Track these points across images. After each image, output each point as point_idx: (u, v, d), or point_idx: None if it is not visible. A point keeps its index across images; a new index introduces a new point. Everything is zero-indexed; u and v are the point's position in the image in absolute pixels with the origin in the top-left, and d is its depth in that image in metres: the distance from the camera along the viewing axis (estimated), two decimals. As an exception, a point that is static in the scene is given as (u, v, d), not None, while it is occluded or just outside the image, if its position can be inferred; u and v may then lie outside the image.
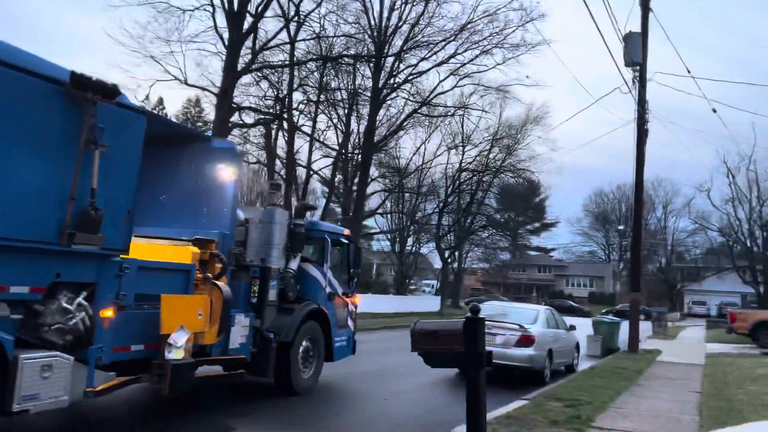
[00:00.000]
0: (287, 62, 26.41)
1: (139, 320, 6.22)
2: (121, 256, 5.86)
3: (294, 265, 9.09)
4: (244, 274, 8.21)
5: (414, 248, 48.44)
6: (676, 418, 8.48)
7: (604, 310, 41.04)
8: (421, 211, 44.93)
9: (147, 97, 27.20)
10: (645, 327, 24.37)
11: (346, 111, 31.73)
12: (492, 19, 29.88)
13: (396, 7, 29.73)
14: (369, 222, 43.09)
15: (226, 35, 22.19)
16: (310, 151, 30.63)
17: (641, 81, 19.25)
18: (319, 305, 9.37)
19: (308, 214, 10.34)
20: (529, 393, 9.80)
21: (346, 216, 31.11)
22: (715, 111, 24.04)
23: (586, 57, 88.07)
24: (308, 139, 30.44)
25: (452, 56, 31.01)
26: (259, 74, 26.56)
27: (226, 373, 8.26)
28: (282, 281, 8.79)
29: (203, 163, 7.93)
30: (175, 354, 6.17)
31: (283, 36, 25.70)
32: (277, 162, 30.56)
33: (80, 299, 5.45)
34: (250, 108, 26.96)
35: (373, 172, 36.72)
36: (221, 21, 22.52)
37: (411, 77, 31.59)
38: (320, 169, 33.64)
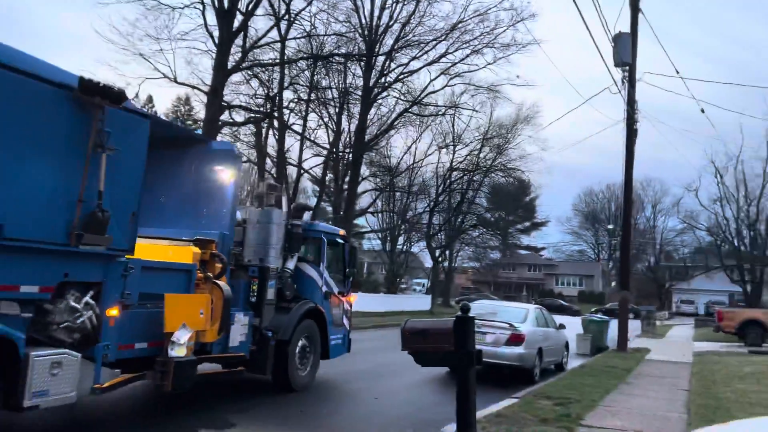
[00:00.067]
0: (278, 61, 26.30)
1: (142, 319, 6.38)
2: (126, 256, 6.02)
3: (291, 264, 9.29)
4: (243, 273, 8.39)
5: (405, 247, 48.47)
6: (665, 416, 8.55)
7: (593, 309, 41.28)
8: (412, 210, 44.97)
9: (136, 95, 26.88)
10: (634, 326, 24.55)
11: (337, 110, 31.66)
12: (483, 19, 29.96)
13: (387, 6, 29.75)
14: (360, 221, 43.08)
15: (216, 33, 22.06)
16: (301, 150, 30.56)
17: (630, 81, 19.36)
18: (316, 304, 9.56)
19: (307, 214, 10.42)
20: (519, 391, 9.84)
21: (337, 215, 31.07)
22: (703, 111, 24.36)
23: (576, 57, 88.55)
24: (299, 137, 30.36)
25: (443, 55, 31.06)
26: (249, 72, 26.46)
27: (226, 370, 8.43)
28: (280, 281, 8.97)
29: (203, 165, 8.12)
30: (178, 351, 6.35)
31: (274, 34, 25.62)
32: (268, 161, 30.46)
33: (87, 298, 5.62)
34: (240, 106, 26.86)
35: (364, 171, 36.73)
36: (211, 19, 22.40)
37: (402, 76, 31.59)
38: (311, 168, 33.57)
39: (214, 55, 22.50)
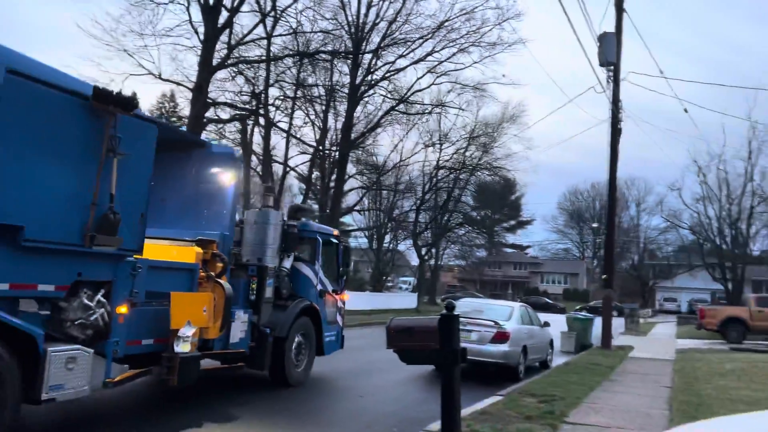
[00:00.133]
0: (263, 57, 26.14)
1: (149, 316, 6.68)
2: (134, 256, 6.31)
3: (287, 264, 9.60)
4: (243, 272, 8.68)
5: (391, 245, 48.49)
6: (647, 412, 8.62)
7: (577, 307, 41.62)
8: (398, 209, 45.02)
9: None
10: (618, 323, 24.75)
11: (324, 107, 31.57)
12: (469, 18, 30.01)
13: (373, 3, 29.68)
14: (346, 219, 42.93)
15: (201, 29, 21.92)
16: (287, 148, 30.43)
17: (615, 80, 19.50)
18: (311, 302, 9.88)
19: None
20: (504, 389, 9.88)
21: (324, 213, 30.98)
22: (686, 111, 24.66)
23: (562, 56, 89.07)
24: (285, 135, 30.23)
25: (429, 54, 31.07)
26: (234, 69, 26.28)
27: (226, 366, 8.65)
28: (277, 279, 9.34)
29: (204, 168, 8.45)
30: (183, 347, 6.64)
31: (260, 31, 25.47)
32: (254, 158, 30.28)
33: (99, 296, 5.92)
34: (225, 103, 26.67)
35: (351, 169, 36.67)
36: (196, 15, 22.23)
37: (389, 74, 31.56)
38: (297, 166, 33.46)
39: (199, 52, 22.34)
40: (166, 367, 6.59)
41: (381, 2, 29.52)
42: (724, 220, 48.13)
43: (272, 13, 25.06)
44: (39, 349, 5.13)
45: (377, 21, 29.70)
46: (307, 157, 33.03)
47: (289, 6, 25.33)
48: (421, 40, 30.15)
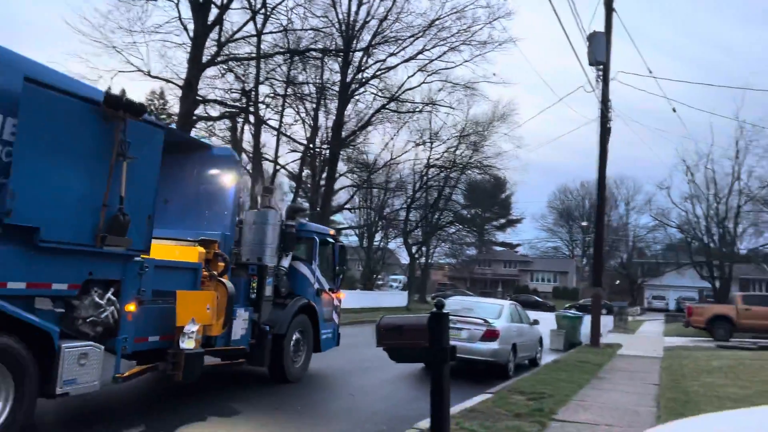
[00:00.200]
0: (254, 55, 26.01)
1: (155, 314, 6.91)
2: (141, 256, 6.54)
3: (286, 263, 9.82)
4: (243, 271, 8.95)
5: (382, 244, 48.48)
6: (635, 410, 8.68)
7: (567, 305, 41.81)
8: (389, 207, 45.00)
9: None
10: (606, 321, 24.93)
11: (314, 105, 31.48)
12: (460, 16, 30.03)
13: (364, 1, 29.61)
14: (337, 217, 42.88)
15: (191, 26, 21.77)
16: (277, 146, 30.30)
17: (605, 80, 19.60)
18: (309, 300, 10.13)
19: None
20: (494, 387, 9.91)
21: (314, 211, 30.91)
22: (675, 110, 24.79)
23: (551, 56, 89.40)
24: (275, 133, 30.11)
25: (420, 52, 31.06)
26: (224, 67, 26.11)
27: (227, 362, 8.93)
28: (276, 278, 9.62)
29: (205, 169, 8.73)
30: (188, 344, 6.88)
31: (250, 28, 25.33)
32: (244, 156, 30.13)
33: (109, 295, 6.18)
34: (215, 101, 26.53)
35: (341, 167, 36.56)
36: (186, 12, 22.09)
37: (379, 72, 31.53)
38: (287, 164, 33.33)
39: (188, 49, 22.19)
40: (171, 363, 6.84)
41: (372, 0, 29.52)
42: (712, 219, 48.55)
43: (262, 11, 24.96)
44: (54, 345, 5.39)
45: (368, 19, 29.69)
46: (298, 155, 32.95)
47: (280, 3, 25.26)
48: (411, 39, 30.18)
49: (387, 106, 33.43)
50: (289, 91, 29.60)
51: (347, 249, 13.14)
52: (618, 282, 66.35)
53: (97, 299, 6.02)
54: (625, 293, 63.57)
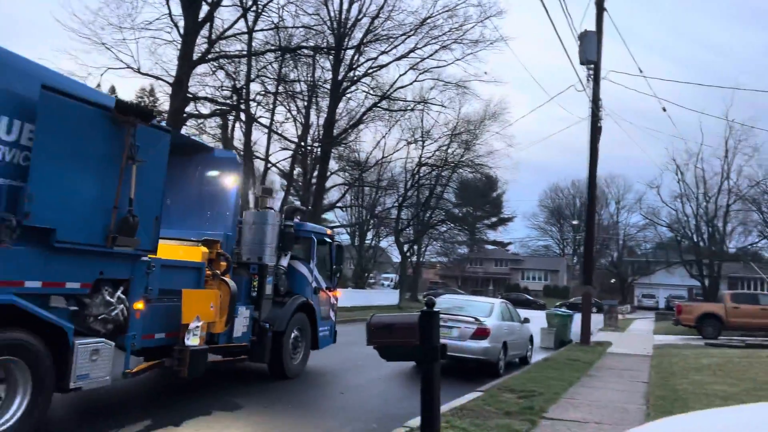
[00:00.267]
0: (245, 52, 25.90)
1: (161, 312, 7.17)
2: (149, 256, 6.77)
3: (285, 262, 10.05)
4: (244, 271, 9.23)
5: (373, 242, 48.46)
6: (624, 407, 8.73)
7: (557, 303, 41.97)
8: (380, 205, 44.95)
9: (98, 86, 26.25)
10: (597, 319, 25.03)
11: (306, 103, 31.37)
12: (451, 15, 30.00)
13: (356, -1, 29.56)
14: (329, 215, 42.86)
15: (181, 23, 21.63)
16: (268, 143, 30.18)
17: (595, 79, 19.67)
18: (307, 298, 10.41)
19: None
20: (484, 385, 9.93)
21: (306, 209, 30.82)
22: (665, 110, 24.91)
23: (543, 55, 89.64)
24: (266, 130, 29.99)
25: (412, 51, 31.01)
26: (215, 64, 25.98)
27: (229, 359, 9.19)
28: (275, 277, 9.82)
29: (207, 171, 8.98)
30: (193, 341, 7.15)
31: (241, 25, 25.19)
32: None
33: (119, 293, 6.42)
34: (206, 98, 26.36)
35: (333, 165, 36.48)
36: (176, 9, 21.94)
37: (371, 70, 31.45)
38: (279, 162, 33.21)
39: (179, 46, 22.05)
40: (177, 359, 7.10)
41: (363, -2, 29.42)
42: (702, 218, 48.94)
43: (253, 8, 24.84)
44: (69, 341, 5.64)
45: (360, 17, 29.63)
46: (289, 153, 32.83)
47: (271, 1, 25.14)
48: (403, 37, 30.14)
49: (379, 105, 33.38)
50: (281, 88, 29.50)
51: (344, 248, 13.25)
52: (613, 281, 66.70)
53: (107, 297, 6.24)
54: (616, 291, 63.92)
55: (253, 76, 26.93)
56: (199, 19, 21.76)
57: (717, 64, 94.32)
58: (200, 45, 22.94)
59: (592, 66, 19.54)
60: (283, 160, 33.38)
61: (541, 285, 76.37)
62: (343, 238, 47.91)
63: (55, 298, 5.85)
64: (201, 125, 29.19)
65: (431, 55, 31.41)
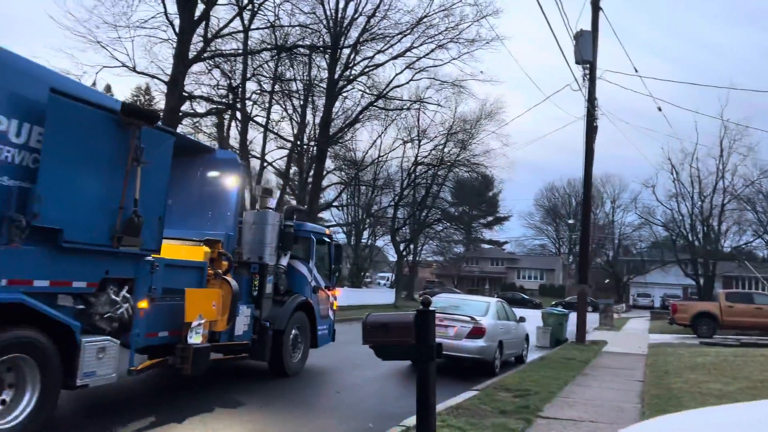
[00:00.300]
0: (240, 51, 25.86)
1: (164, 311, 7.27)
2: (152, 255, 6.89)
3: (284, 261, 10.17)
4: (245, 270, 9.35)
5: (369, 241, 48.47)
6: (619, 406, 8.77)
7: (553, 303, 42.04)
8: (376, 204, 45.01)
9: (94, 84, 26.16)
10: (592, 318, 25.10)
11: (302, 102, 31.37)
12: (447, 14, 30.07)
13: (352, -2, 29.52)
14: (325, 214, 42.85)
15: (176, 22, 21.52)
16: (264, 142, 30.21)
17: (591, 79, 19.72)
18: (306, 297, 10.55)
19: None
20: (480, 384, 9.97)
21: (302, 208, 30.79)
22: (660, 109, 24.94)
23: (539, 54, 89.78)
24: (262, 129, 29.99)
25: (408, 50, 31.04)
26: (211, 63, 25.94)
27: (230, 357, 9.34)
28: (275, 276, 9.91)
29: (208, 172, 9.10)
30: (195, 339, 7.27)
31: (237, 24, 25.15)
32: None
33: (124, 292, 6.52)
34: (201, 97, 26.27)
35: (329, 164, 36.55)
36: (171, 7, 21.85)
37: (367, 69, 31.45)
38: (275, 161, 33.30)
39: (174, 44, 21.97)
40: (180, 357, 7.21)
41: (360, -3, 29.38)
42: (697, 217, 49.11)
43: (249, 6, 24.77)
44: (76, 339, 5.75)
45: (356, 16, 29.63)
46: (285, 152, 32.86)
47: (267, -1, 25.05)
48: (399, 36, 30.17)
49: (375, 104, 33.40)
50: (277, 87, 29.49)
51: (342, 248, 13.43)
52: (608, 280, 66.87)
53: (113, 296, 6.34)
54: (611, 291, 64.09)
55: (249, 75, 26.93)
56: (195, 18, 21.67)
57: (712, 64, 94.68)
58: (196, 43, 22.88)
59: (588, 65, 19.59)
60: (279, 159, 33.53)
61: (537, 284, 76.51)
62: (340, 237, 47.96)
63: (63, 296, 5.96)
64: (197, 124, 29.20)
65: (427, 54, 31.50)
